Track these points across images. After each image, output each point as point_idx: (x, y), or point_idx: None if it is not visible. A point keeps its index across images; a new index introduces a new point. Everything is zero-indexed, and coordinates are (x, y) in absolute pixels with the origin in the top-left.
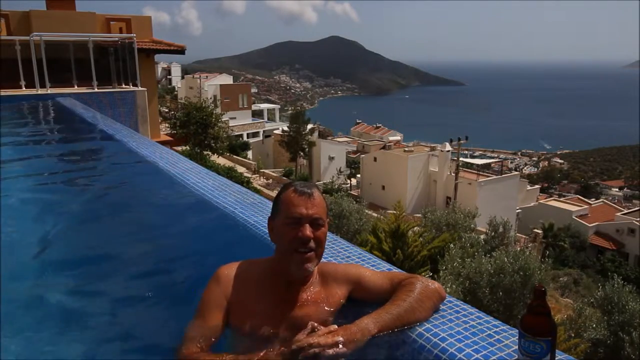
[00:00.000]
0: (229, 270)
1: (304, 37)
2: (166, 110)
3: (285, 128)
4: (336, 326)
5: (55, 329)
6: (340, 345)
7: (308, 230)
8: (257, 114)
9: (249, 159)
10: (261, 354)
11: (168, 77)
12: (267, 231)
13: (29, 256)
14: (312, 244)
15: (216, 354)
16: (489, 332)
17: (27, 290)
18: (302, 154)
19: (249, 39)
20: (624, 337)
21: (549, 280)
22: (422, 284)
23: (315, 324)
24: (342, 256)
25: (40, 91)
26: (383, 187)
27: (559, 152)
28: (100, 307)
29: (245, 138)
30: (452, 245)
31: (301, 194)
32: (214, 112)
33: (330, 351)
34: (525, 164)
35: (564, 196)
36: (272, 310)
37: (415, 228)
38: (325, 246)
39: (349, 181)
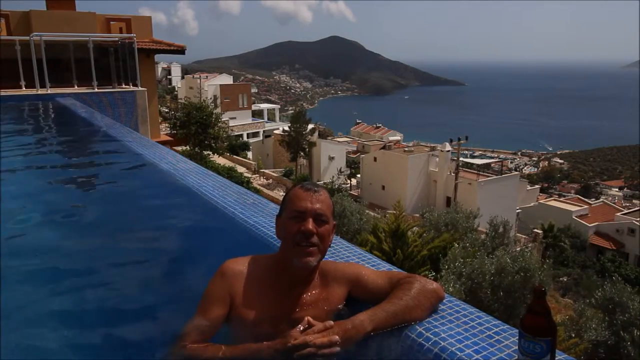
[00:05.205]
0: (234, 265)
1: (300, 37)
2: (166, 110)
3: (286, 128)
4: (332, 322)
5: (55, 326)
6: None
7: (311, 224)
8: (257, 114)
9: (249, 159)
10: (257, 346)
11: (168, 77)
12: (268, 231)
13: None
14: (314, 239)
15: (212, 344)
16: (489, 332)
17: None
18: (302, 154)
19: (245, 39)
20: (625, 336)
21: (549, 280)
22: (420, 284)
23: (311, 319)
24: (342, 256)
25: (40, 91)
26: (383, 187)
27: (559, 152)
28: (103, 307)
29: (245, 138)
30: (455, 245)
31: (307, 189)
32: (214, 112)
33: (326, 351)
34: (525, 164)
35: (564, 196)
36: (273, 307)
37: (415, 228)
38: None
39: (349, 181)
